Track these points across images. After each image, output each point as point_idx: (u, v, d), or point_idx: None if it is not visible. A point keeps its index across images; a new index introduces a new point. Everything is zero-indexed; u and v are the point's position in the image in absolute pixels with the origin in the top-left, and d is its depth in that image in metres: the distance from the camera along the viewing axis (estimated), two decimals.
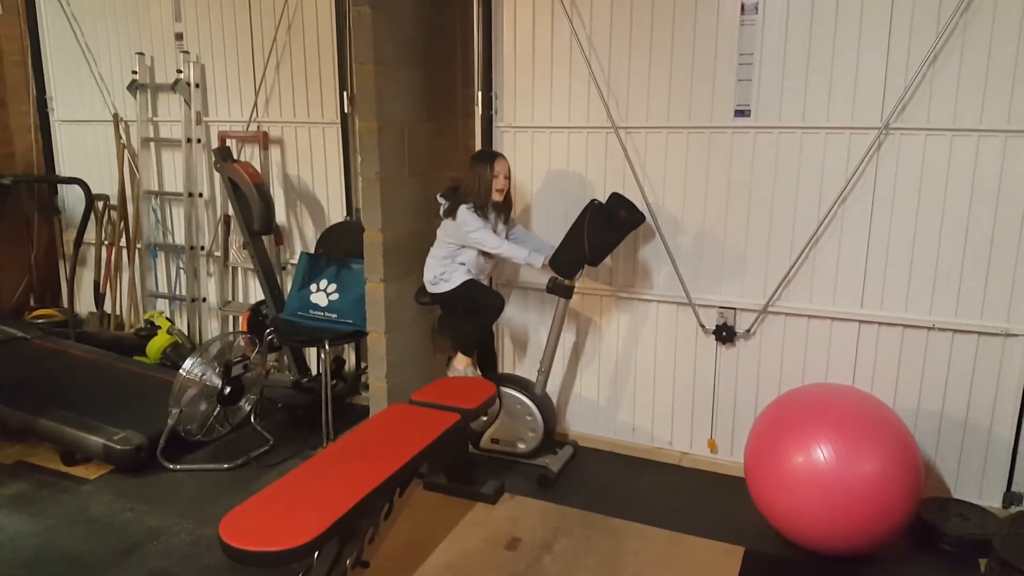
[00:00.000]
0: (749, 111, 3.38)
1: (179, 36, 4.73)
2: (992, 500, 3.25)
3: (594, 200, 3.40)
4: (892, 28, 3.09)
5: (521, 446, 3.71)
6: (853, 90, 3.20)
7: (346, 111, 4.22)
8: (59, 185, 5.42)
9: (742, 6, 3.31)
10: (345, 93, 4.19)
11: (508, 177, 3.49)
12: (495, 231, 3.52)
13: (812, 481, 2.78)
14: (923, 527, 3.04)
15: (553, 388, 3.93)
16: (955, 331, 3.21)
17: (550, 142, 3.81)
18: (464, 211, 3.42)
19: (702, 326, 3.65)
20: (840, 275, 3.36)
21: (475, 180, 3.44)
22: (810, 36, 3.22)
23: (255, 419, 4.03)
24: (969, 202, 3.10)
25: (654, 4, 3.47)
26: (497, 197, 3.48)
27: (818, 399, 3.11)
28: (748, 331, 3.57)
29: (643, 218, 3.44)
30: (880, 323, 3.33)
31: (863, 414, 2.94)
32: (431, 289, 3.62)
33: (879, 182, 3.22)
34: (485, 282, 3.67)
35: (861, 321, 3.36)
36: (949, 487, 3.32)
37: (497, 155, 3.50)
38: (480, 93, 3.86)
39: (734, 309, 3.57)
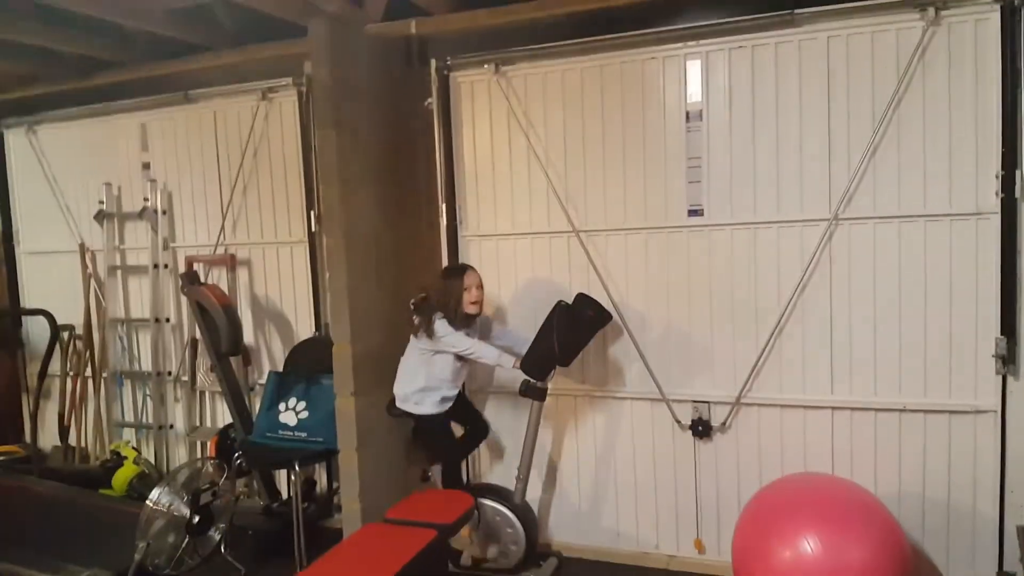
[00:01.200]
0: (702, 210, 3.51)
1: (146, 165, 4.82)
2: None
3: (561, 301, 3.45)
4: (831, 124, 3.28)
5: (504, 561, 3.58)
6: (800, 185, 3.35)
7: (313, 229, 4.28)
8: (23, 317, 5.36)
9: (687, 114, 3.50)
10: (312, 212, 4.27)
11: (480, 288, 3.51)
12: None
13: (802, 574, 2.72)
14: None
15: (532, 496, 3.85)
16: (926, 411, 3.24)
17: (515, 248, 3.90)
18: (437, 321, 3.44)
19: (678, 421, 3.64)
20: (807, 363, 3.41)
21: (447, 294, 3.46)
22: (753, 137, 3.40)
23: (225, 549, 3.86)
24: (923, 284, 3.21)
25: (604, 115, 3.65)
26: (472, 310, 3.48)
27: (799, 490, 3.10)
28: (724, 424, 3.57)
29: (610, 317, 3.49)
30: (852, 408, 3.35)
31: (846, 502, 2.93)
32: (400, 405, 3.60)
33: (835, 270, 3.33)
34: (456, 390, 3.63)
35: (833, 408, 3.38)
36: (941, 571, 3.27)
37: (467, 268, 3.55)
38: (444, 205, 3.96)
39: (708, 403, 3.58)
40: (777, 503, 3.05)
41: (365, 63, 3.72)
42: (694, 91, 3.48)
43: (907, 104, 3.16)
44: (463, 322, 3.51)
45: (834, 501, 2.94)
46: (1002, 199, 3.05)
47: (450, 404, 3.59)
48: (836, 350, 3.36)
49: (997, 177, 3.05)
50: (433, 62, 3.88)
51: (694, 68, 3.47)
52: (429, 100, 3.91)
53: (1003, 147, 3.04)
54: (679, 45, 3.48)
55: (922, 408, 3.24)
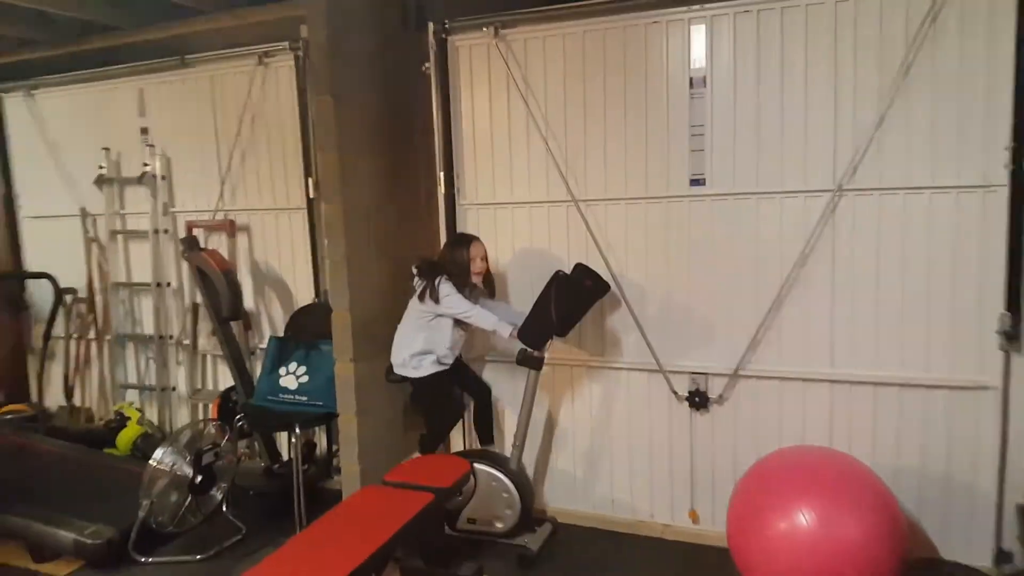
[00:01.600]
0: (704, 180, 3.45)
1: (144, 130, 4.80)
2: (982, 559, 3.19)
3: (559, 271, 3.43)
4: (837, 93, 3.20)
5: (499, 525, 3.62)
6: (804, 155, 3.28)
7: (311, 196, 4.26)
8: (27, 280, 5.40)
9: (691, 80, 3.42)
10: (310, 179, 4.24)
11: (485, 259, 3.54)
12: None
13: (796, 547, 2.74)
14: None
15: (528, 462, 3.87)
16: (927, 387, 3.21)
17: (513, 217, 3.86)
18: (443, 283, 3.45)
19: (675, 393, 3.63)
20: (808, 335, 3.38)
21: (452, 263, 3.49)
22: (758, 106, 3.33)
23: (227, 508, 3.93)
24: (927, 257, 3.15)
25: (605, 82, 3.57)
26: (476, 280, 3.52)
27: (796, 462, 3.10)
28: (721, 396, 3.56)
29: (608, 287, 3.46)
30: (852, 382, 3.33)
31: (843, 475, 2.93)
32: (398, 371, 3.61)
33: (837, 242, 3.28)
34: (453, 358, 3.64)
35: (832, 381, 3.36)
36: (936, 547, 3.26)
37: (472, 239, 3.54)
38: (442, 173, 3.91)
39: (705, 374, 3.57)
40: (773, 475, 3.05)
41: (362, 26, 3.65)
42: (698, 57, 3.40)
43: (916, 73, 3.08)
44: (469, 292, 3.52)
45: (830, 474, 2.93)
46: (1011, 172, 2.98)
47: (448, 366, 3.62)
48: (837, 323, 3.32)
49: (1007, 149, 2.97)
50: (431, 25, 3.80)
51: (698, 33, 3.38)
52: (427, 65, 3.85)
53: (1014, 118, 2.95)
54: (683, 9, 3.39)
55: (923, 383, 3.21)
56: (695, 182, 3.47)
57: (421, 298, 3.50)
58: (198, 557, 3.59)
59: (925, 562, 3.14)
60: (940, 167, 3.10)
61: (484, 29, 3.72)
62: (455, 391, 3.83)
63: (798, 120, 3.27)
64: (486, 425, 3.88)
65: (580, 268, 3.43)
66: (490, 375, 4.04)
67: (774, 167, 3.33)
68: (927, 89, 3.08)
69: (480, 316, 3.47)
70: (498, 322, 3.46)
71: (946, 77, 3.05)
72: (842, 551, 2.68)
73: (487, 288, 3.64)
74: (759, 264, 3.41)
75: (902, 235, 3.18)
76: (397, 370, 3.62)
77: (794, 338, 3.40)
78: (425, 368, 3.56)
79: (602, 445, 3.84)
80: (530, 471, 3.88)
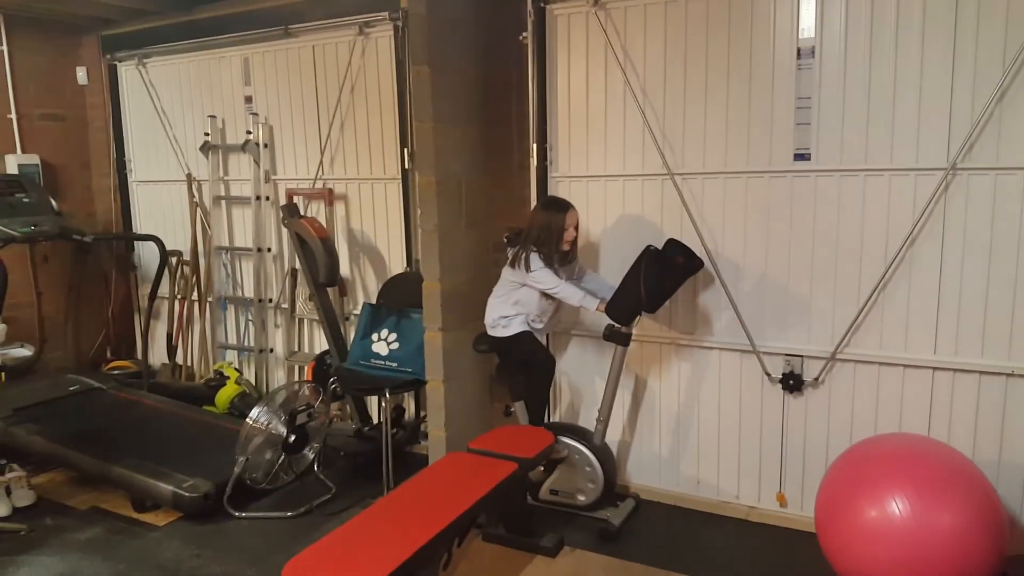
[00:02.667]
0: (809, 154, 3.34)
1: (248, 99, 4.96)
2: None
3: (650, 246, 3.39)
4: (955, 66, 3.03)
5: (581, 498, 3.64)
6: (916, 131, 3.13)
7: (406, 167, 4.33)
8: (135, 242, 5.69)
9: (798, 51, 3.30)
10: (406, 150, 4.31)
11: (577, 228, 3.51)
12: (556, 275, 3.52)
13: (887, 536, 2.65)
14: None
15: (612, 438, 3.86)
16: None
17: (605, 190, 3.82)
18: (532, 255, 3.46)
19: (767, 374, 3.55)
20: (911, 320, 3.25)
21: (546, 227, 3.46)
22: (869, 78, 3.18)
23: (318, 467, 4.07)
24: None
25: (708, 52, 3.48)
26: (565, 247, 3.50)
27: (892, 449, 2.98)
28: (816, 379, 3.46)
29: (701, 264, 3.40)
30: (955, 370, 3.19)
31: (940, 465, 2.81)
32: (490, 332, 3.65)
33: (948, 223, 3.12)
34: (544, 327, 3.67)
35: (935, 368, 3.22)
36: None
37: (569, 206, 3.50)
38: (535, 145, 3.90)
39: (801, 357, 3.47)
40: (867, 460, 2.95)
41: None
42: (807, 26, 3.26)
43: None
44: (558, 259, 3.51)
45: (927, 463, 2.82)
46: None
47: (539, 328, 3.64)
48: (943, 309, 3.18)
49: None
50: None
51: (808, 1, 3.25)
52: (524, 35, 3.83)
53: None
54: None
55: None
56: (799, 156, 3.35)
57: (512, 265, 3.53)
58: (289, 514, 3.71)
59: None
60: None
61: None
62: (546, 348, 3.80)
63: (911, 94, 3.12)
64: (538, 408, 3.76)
65: (672, 243, 3.38)
66: (576, 348, 4.04)
67: (884, 143, 3.19)
68: None
69: (567, 291, 3.47)
70: (584, 297, 3.45)
71: None
72: (935, 543, 2.58)
73: (572, 257, 3.60)
74: (864, 244, 3.28)
75: (1020, 217, 3.00)
76: (488, 331, 3.65)
77: (897, 322, 3.27)
78: (514, 328, 3.58)
79: (689, 424, 3.80)
80: (614, 447, 3.87)
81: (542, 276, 3.45)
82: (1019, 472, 3.12)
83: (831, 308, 3.39)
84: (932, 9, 3.04)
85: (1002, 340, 3.09)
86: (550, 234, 3.45)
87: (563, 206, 3.50)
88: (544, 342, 3.88)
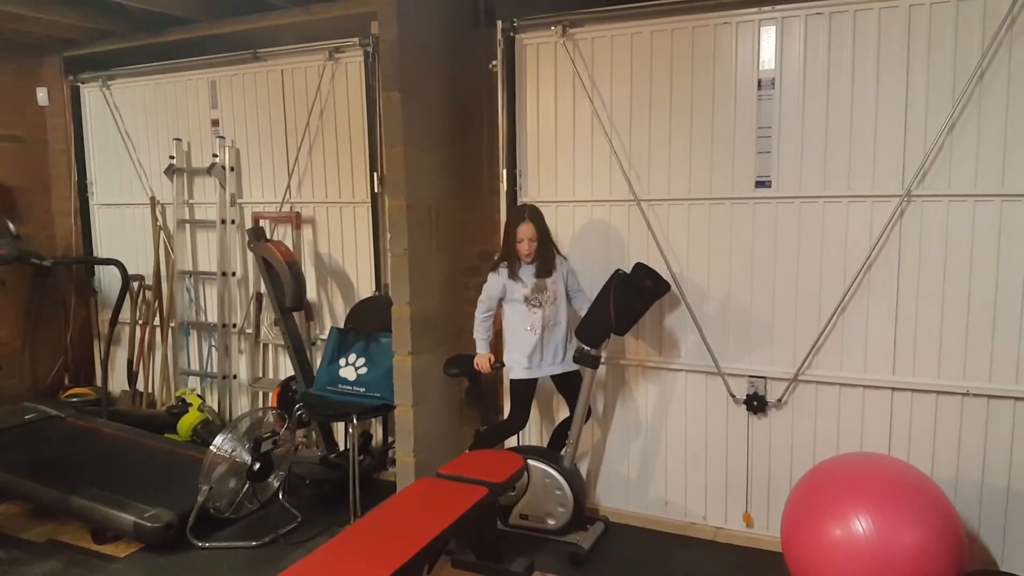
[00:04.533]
0: (770, 182, 3.44)
1: (215, 122, 4.94)
2: None
3: (619, 270, 3.44)
4: (908, 97, 3.17)
5: (551, 522, 3.64)
6: (873, 159, 3.25)
7: (376, 191, 4.34)
8: (96, 266, 5.58)
9: (759, 82, 3.41)
10: (375, 174, 4.32)
11: (533, 240, 3.47)
12: (530, 286, 3.53)
13: (851, 554, 2.70)
14: None
15: (582, 461, 3.88)
16: (990, 396, 3.15)
17: (574, 215, 3.88)
18: (491, 272, 3.59)
19: (732, 396, 3.61)
20: (870, 342, 3.34)
21: (506, 234, 3.59)
22: (827, 108, 3.30)
23: (283, 496, 4.01)
24: (996, 265, 3.10)
25: (672, 82, 3.58)
26: (525, 260, 3.52)
27: (854, 469, 3.06)
28: (779, 400, 3.53)
29: (668, 287, 3.46)
30: (913, 390, 3.28)
31: (901, 483, 2.88)
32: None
33: (904, 248, 3.24)
34: (536, 338, 3.56)
35: (893, 388, 3.32)
36: (995, 559, 3.20)
37: (522, 219, 3.50)
38: (505, 171, 3.95)
39: (764, 378, 3.55)
40: (831, 480, 3.01)
41: (432, 24, 3.72)
42: (767, 58, 3.38)
43: (990, 78, 3.02)
44: (524, 269, 3.54)
45: (889, 481, 2.89)
46: None
47: (537, 368, 3.60)
48: (900, 330, 3.28)
49: None
50: (499, 23, 3.84)
51: (768, 34, 3.37)
52: (494, 63, 3.89)
53: None
54: (754, 10, 3.38)
55: (986, 393, 3.15)
56: (761, 184, 3.45)
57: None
58: (254, 543, 3.64)
59: (983, 574, 3.07)
60: (1012, 174, 3.04)
61: (552, 28, 3.75)
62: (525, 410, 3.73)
63: (867, 124, 3.24)
64: (561, 436, 3.75)
65: (640, 267, 3.44)
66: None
67: (842, 171, 3.31)
68: (1001, 95, 3.02)
69: (478, 318, 3.64)
70: (479, 338, 3.65)
71: (1020, 83, 2.99)
72: (898, 560, 2.64)
73: (545, 265, 3.54)
74: (823, 268, 3.38)
75: (970, 242, 3.13)
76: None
77: (856, 344, 3.36)
78: (514, 371, 3.63)
79: (657, 446, 3.84)
80: (583, 469, 3.89)
81: (483, 295, 3.61)
82: (976, 488, 3.21)
83: (793, 330, 3.47)
84: (886, 43, 3.18)
85: (957, 361, 3.20)
86: (507, 241, 3.55)
87: (518, 216, 3.56)
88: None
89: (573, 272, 3.71)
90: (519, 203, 3.97)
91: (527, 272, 3.54)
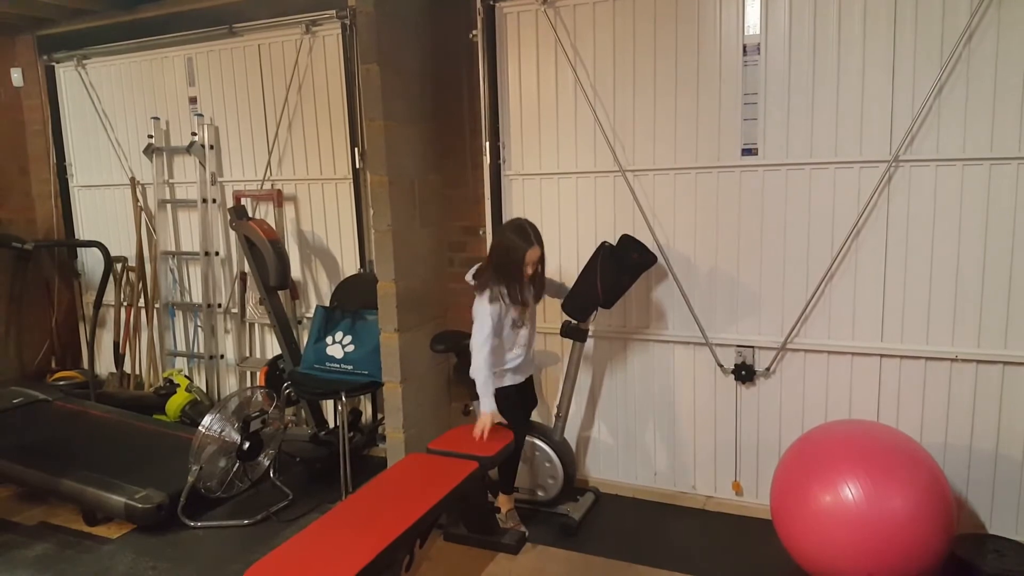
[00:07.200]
0: (756, 149, 3.40)
1: (193, 100, 4.86)
2: None
3: (605, 243, 3.42)
4: (895, 62, 3.12)
5: (541, 494, 3.65)
6: (860, 124, 3.21)
7: (358, 166, 4.28)
8: (78, 249, 5.53)
9: (744, 47, 3.36)
10: (356, 149, 4.26)
11: (538, 263, 3.23)
12: (518, 308, 3.30)
13: (841, 520, 2.72)
14: (958, 565, 2.94)
15: (571, 433, 3.89)
16: (979, 361, 3.15)
17: (558, 188, 3.84)
18: (478, 298, 3.24)
19: (720, 366, 3.61)
20: (858, 309, 3.33)
21: (507, 252, 3.19)
22: (813, 74, 3.26)
23: (274, 474, 4.02)
24: (985, 230, 3.08)
25: (656, 49, 3.52)
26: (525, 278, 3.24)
27: (843, 436, 3.06)
28: (768, 369, 3.53)
29: (655, 259, 3.44)
30: (901, 356, 3.28)
31: (890, 449, 2.88)
32: None
33: (892, 214, 3.21)
34: (522, 353, 3.39)
35: (882, 355, 3.31)
36: (984, 522, 3.23)
37: (532, 243, 3.17)
38: (488, 143, 3.90)
39: (752, 347, 3.54)
40: (819, 447, 3.02)
41: None
42: (752, 23, 3.32)
43: (979, 40, 2.98)
44: (519, 289, 3.25)
45: (878, 448, 2.90)
46: None
47: (513, 375, 3.39)
48: (889, 297, 3.27)
49: None
50: None
51: None
52: (474, 33, 3.82)
53: None
54: None
55: (974, 358, 3.15)
56: (747, 152, 3.41)
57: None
58: (245, 522, 3.65)
59: (972, 537, 3.10)
60: (1000, 138, 3.00)
61: None
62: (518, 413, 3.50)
63: (854, 89, 3.20)
64: (509, 472, 3.48)
65: (626, 239, 3.41)
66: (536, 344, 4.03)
67: (828, 137, 3.27)
68: (989, 56, 2.98)
69: (479, 360, 3.16)
70: (483, 384, 3.17)
71: (1009, 44, 2.94)
72: (887, 525, 2.65)
73: (539, 288, 3.37)
74: (811, 236, 3.36)
75: (959, 207, 3.10)
76: None
77: (844, 311, 3.35)
78: (498, 378, 3.33)
79: (646, 417, 3.84)
80: (573, 442, 3.90)
81: (476, 326, 3.19)
82: (964, 454, 3.23)
83: (780, 299, 3.46)
84: (872, 5, 3.12)
85: (945, 327, 3.20)
86: (509, 261, 3.18)
87: (527, 239, 3.17)
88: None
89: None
90: (503, 175, 3.91)
91: (521, 295, 3.26)
